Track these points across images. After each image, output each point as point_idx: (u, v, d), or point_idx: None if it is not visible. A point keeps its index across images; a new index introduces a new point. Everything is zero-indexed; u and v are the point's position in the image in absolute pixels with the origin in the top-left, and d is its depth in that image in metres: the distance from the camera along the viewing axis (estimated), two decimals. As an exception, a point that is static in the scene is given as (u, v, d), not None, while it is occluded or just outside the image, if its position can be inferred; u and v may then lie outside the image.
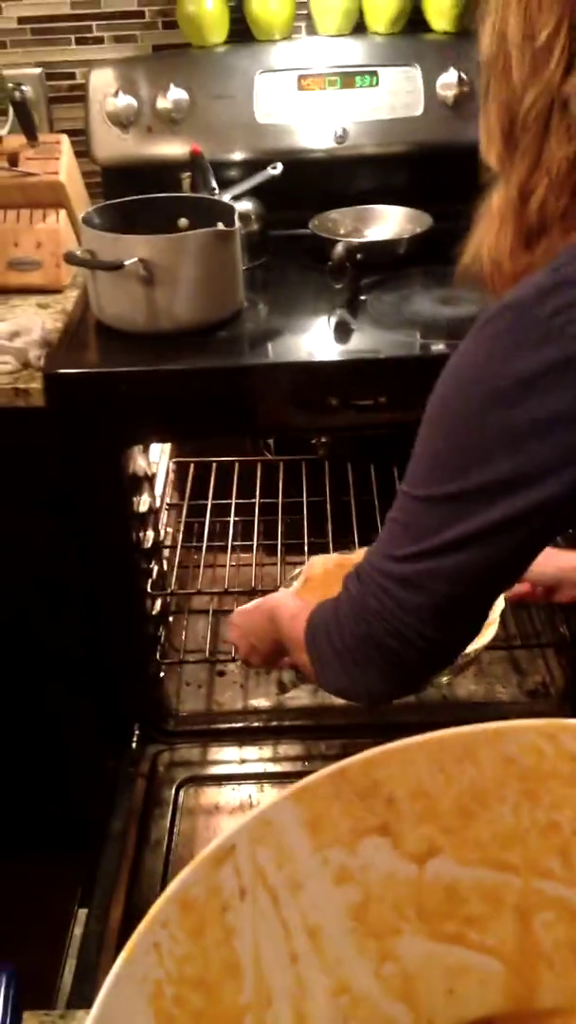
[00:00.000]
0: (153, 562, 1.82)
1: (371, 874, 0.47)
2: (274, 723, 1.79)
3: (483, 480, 0.76)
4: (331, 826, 0.46)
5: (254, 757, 1.72)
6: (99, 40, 1.90)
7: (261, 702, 1.83)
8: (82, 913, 1.49)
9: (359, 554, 1.33)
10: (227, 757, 1.73)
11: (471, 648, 1.19)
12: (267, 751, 1.73)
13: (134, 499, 1.63)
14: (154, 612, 1.81)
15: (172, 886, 0.41)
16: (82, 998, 1.28)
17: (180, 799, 1.64)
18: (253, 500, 1.97)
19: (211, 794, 1.66)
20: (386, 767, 0.47)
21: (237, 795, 1.65)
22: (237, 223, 1.49)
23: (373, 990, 0.48)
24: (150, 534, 1.79)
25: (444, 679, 1.38)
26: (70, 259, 1.48)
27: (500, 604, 1.32)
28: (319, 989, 0.46)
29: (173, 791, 1.65)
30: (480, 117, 0.86)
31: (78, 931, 1.48)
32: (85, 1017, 0.37)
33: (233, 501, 1.98)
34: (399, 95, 1.81)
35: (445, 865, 0.48)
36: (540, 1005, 0.50)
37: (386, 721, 1.62)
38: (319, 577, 1.44)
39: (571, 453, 0.74)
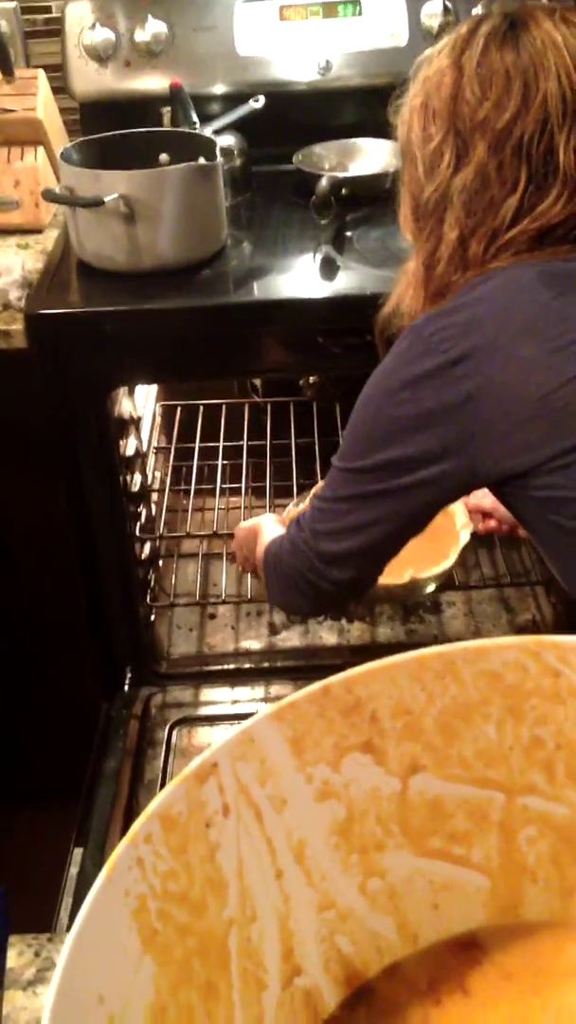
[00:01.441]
0: (141, 506, 1.81)
1: (355, 791, 0.47)
2: (265, 664, 1.80)
3: (383, 460, 1.00)
4: (314, 743, 0.46)
5: (246, 697, 1.73)
6: (75, -29, 1.85)
7: (252, 644, 1.84)
8: (78, 852, 1.50)
9: None
10: (219, 698, 1.74)
11: (431, 574, 1.53)
12: (259, 691, 1.74)
13: (121, 443, 1.62)
14: (144, 556, 1.80)
15: (155, 802, 0.41)
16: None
17: (173, 739, 1.65)
18: (241, 443, 1.96)
19: (204, 734, 1.67)
20: (368, 685, 0.47)
21: (229, 735, 1.66)
22: (219, 158, 1.47)
23: (358, 905, 0.48)
24: (138, 478, 1.78)
25: (429, 588, 1.60)
26: (49, 196, 1.45)
27: (464, 539, 1.56)
28: (304, 904, 0.47)
29: (166, 732, 1.66)
30: (400, 198, 1.08)
31: (74, 870, 1.49)
32: (67, 939, 0.37)
33: (221, 444, 1.97)
34: (383, 24, 1.77)
35: (429, 781, 0.48)
36: (523, 919, 0.50)
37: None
38: None
39: (447, 443, 0.96)
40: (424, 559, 1.55)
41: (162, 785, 1.57)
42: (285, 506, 1.81)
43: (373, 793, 0.48)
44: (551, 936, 0.51)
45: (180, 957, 0.41)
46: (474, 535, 1.57)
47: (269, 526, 1.34)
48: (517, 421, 0.94)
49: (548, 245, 0.98)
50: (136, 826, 0.40)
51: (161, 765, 1.61)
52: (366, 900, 0.48)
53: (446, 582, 1.86)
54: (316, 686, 0.46)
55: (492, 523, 1.56)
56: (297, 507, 1.62)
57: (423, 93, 1.02)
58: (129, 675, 1.75)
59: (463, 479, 1.00)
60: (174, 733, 1.66)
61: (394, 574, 1.45)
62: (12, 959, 0.58)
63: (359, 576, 1.12)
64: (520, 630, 1.83)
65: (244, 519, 1.84)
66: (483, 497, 1.50)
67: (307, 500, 1.54)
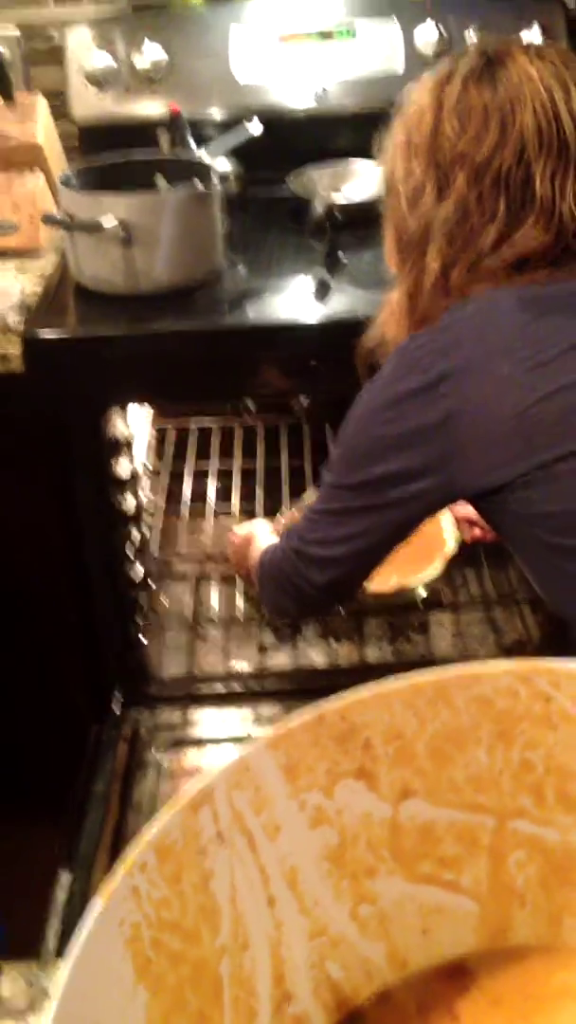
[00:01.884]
0: (134, 527, 1.82)
1: (347, 817, 0.48)
2: (255, 685, 1.80)
3: (368, 477, 1.06)
4: (307, 770, 0.46)
5: (236, 719, 1.73)
6: (76, -1, 1.87)
7: (242, 665, 1.84)
8: (65, 876, 1.49)
9: None
10: (209, 720, 1.74)
11: (417, 580, 1.60)
12: (248, 713, 1.74)
13: (114, 463, 1.63)
14: (135, 577, 1.81)
15: (150, 832, 0.42)
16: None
17: (163, 762, 1.65)
18: (231, 468, 1.97)
19: (193, 756, 1.67)
20: (362, 711, 0.47)
21: (219, 757, 1.66)
22: (216, 182, 1.48)
23: (349, 931, 0.48)
24: (131, 499, 1.79)
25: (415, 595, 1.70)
26: (48, 220, 1.47)
27: (450, 547, 1.62)
28: (296, 931, 0.47)
29: (156, 754, 1.66)
30: (384, 232, 1.12)
31: (61, 894, 1.49)
32: (63, 969, 0.37)
33: (213, 467, 1.97)
34: (379, 51, 1.79)
35: (420, 807, 0.49)
36: (513, 943, 0.51)
37: (366, 682, 1.63)
38: None
39: (429, 461, 1.02)
40: (411, 566, 1.59)
41: (152, 808, 1.57)
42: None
43: (365, 819, 0.48)
44: (540, 960, 0.51)
45: (173, 985, 0.42)
46: (461, 544, 1.63)
47: (263, 535, 1.41)
48: (493, 438, 0.99)
49: (526, 271, 1.02)
50: (132, 855, 0.41)
51: (150, 788, 1.60)
52: (357, 926, 0.49)
53: (433, 600, 1.87)
54: (311, 714, 0.47)
55: (478, 532, 1.64)
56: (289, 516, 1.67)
57: (404, 130, 1.06)
58: (119, 696, 1.75)
59: (445, 494, 1.06)
60: (163, 755, 1.66)
61: (380, 580, 1.50)
62: (4, 988, 0.58)
63: (344, 582, 1.18)
64: (507, 650, 1.83)
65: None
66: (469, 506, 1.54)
67: (299, 508, 1.62)
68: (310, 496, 1.69)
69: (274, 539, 1.34)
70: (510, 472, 0.99)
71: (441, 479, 1.03)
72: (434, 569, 1.59)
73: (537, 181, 1.00)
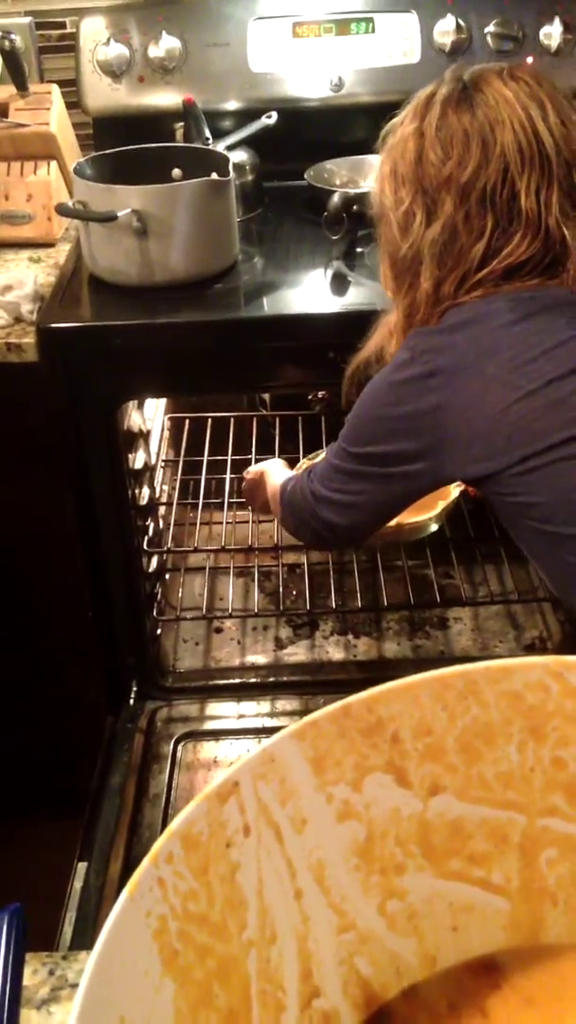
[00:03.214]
0: (149, 519, 1.81)
1: (375, 811, 0.47)
2: (271, 679, 1.79)
3: (369, 452, 1.15)
4: (335, 763, 0.46)
5: (252, 712, 1.73)
6: (89, -13, 1.86)
7: (258, 658, 1.83)
8: (81, 867, 1.49)
9: None
10: (225, 712, 1.73)
11: (414, 521, 1.66)
12: (265, 706, 1.74)
13: (129, 455, 1.62)
14: (151, 569, 1.80)
15: (176, 822, 0.41)
16: (82, 948, 1.29)
17: (178, 754, 1.65)
18: (249, 456, 1.96)
19: (209, 749, 1.66)
20: (389, 704, 0.47)
21: (235, 749, 1.66)
22: (231, 173, 1.47)
23: (378, 927, 0.48)
24: (146, 491, 1.78)
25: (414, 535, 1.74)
26: (62, 211, 1.46)
27: (453, 495, 1.69)
28: (324, 925, 0.46)
29: (171, 746, 1.66)
30: (379, 259, 1.19)
31: (78, 884, 1.48)
32: (87, 958, 0.37)
33: (229, 458, 1.96)
34: (396, 42, 1.77)
35: (450, 803, 0.48)
36: (544, 941, 0.50)
37: (385, 676, 1.62)
38: None
39: (421, 446, 1.09)
40: (412, 510, 1.63)
41: (167, 800, 1.56)
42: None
43: (393, 814, 0.47)
44: (574, 960, 0.50)
45: (200, 978, 0.41)
46: (467, 497, 1.72)
47: (277, 469, 1.50)
48: (478, 432, 1.05)
49: (515, 280, 1.08)
50: (157, 845, 0.40)
51: (166, 780, 1.60)
52: (385, 921, 0.48)
53: (453, 597, 1.86)
54: (336, 705, 0.46)
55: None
56: (312, 460, 1.77)
57: (390, 160, 1.12)
58: (135, 689, 1.75)
59: (436, 477, 1.13)
60: (179, 748, 1.66)
61: None
62: (26, 977, 0.58)
63: (353, 528, 1.26)
64: (527, 647, 1.82)
65: (251, 533, 1.85)
66: None
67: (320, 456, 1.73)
68: (301, 466, 1.76)
69: (290, 473, 1.44)
70: (494, 464, 1.05)
71: (433, 463, 1.10)
72: (435, 513, 1.67)
73: (522, 196, 1.05)
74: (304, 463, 1.79)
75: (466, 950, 0.49)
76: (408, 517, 1.64)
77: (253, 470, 1.59)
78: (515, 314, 1.06)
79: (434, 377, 1.07)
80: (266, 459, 1.63)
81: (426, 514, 1.66)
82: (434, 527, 1.70)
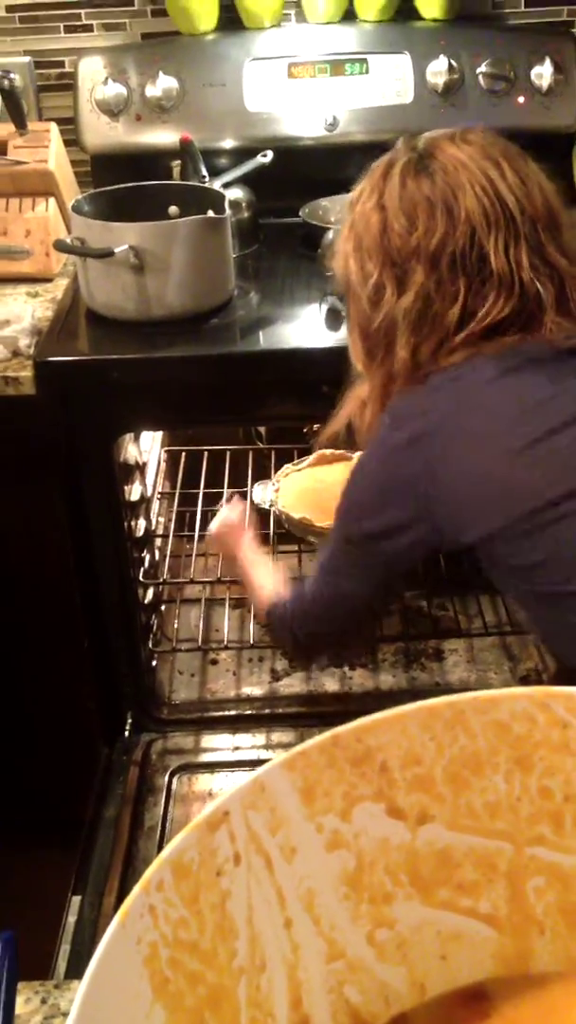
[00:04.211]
0: (145, 551, 1.82)
1: (364, 840, 0.47)
2: (267, 711, 1.79)
3: (367, 530, 1.12)
4: (324, 793, 0.46)
5: (247, 744, 1.73)
6: (88, 28, 1.90)
7: (254, 690, 1.84)
8: (76, 900, 1.49)
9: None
10: (220, 744, 1.73)
11: None
12: (260, 738, 1.74)
13: (126, 488, 1.63)
14: (146, 601, 1.81)
15: (167, 850, 0.42)
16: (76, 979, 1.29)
17: (173, 786, 1.65)
18: (245, 489, 1.97)
19: (204, 781, 1.66)
20: (378, 734, 0.47)
21: (230, 782, 1.66)
22: (228, 211, 1.50)
23: (367, 955, 0.48)
24: (142, 523, 1.79)
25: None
26: (60, 247, 1.48)
27: None
28: (313, 954, 0.47)
29: (166, 778, 1.66)
30: (348, 334, 1.18)
31: (72, 918, 1.48)
32: (80, 987, 0.37)
33: (225, 490, 1.98)
34: (389, 82, 1.81)
35: (438, 832, 0.49)
36: (532, 970, 0.50)
37: (381, 708, 1.62)
38: (293, 491, 1.82)
39: (415, 512, 1.07)
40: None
41: (162, 832, 1.56)
42: (287, 552, 1.82)
43: (382, 843, 0.48)
44: (562, 989, 0.51)
45: (191, 1005, 0.41)
46: None
47: (257, 569, 1.41)
48: (470, 494, 1.04)
49: (495, 338, 1.06)
50: (148, 873, 0.41)
51: (161, 812, 1.60)
52: (375, 950, 0.48)
53: (448, 629, 1.86)
54: (326, 735, 0.47)
55: None
56: (297, 467, 1.87)
57: (354, 237, 1.11)
58: (130, 720, 1.75)
59: (433, 544, 1.12)
60: (174, 780, 1.66)
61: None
62: (19, 1006, 0.58)
63: (344, 634, 1.30)
64: (523, 679, 1.82)
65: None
66: None
67: (306, 462, 1.85)
68: (286, 471, 1.86)
69: (268, 573, 1.38)
70: (489, 526, 1.03)
71: (427, 528, 1.08)
72: None
73: (492, 257, 1.05)
74: (289, 469, 1.84)
75: (455, 979, 0.50)
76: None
77: (220, 526, 1.49)
78: (498, 369, 1.05)
79: (421, 439, 1.05)
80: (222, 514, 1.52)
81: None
82: None
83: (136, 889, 0.41)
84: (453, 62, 1.79)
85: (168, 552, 1.92)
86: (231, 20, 1.86)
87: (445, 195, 1.05)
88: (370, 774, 0.48)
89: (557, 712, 0.49)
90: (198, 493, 1.96)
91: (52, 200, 1.70)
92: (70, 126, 1.84)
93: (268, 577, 1.37)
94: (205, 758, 1.71)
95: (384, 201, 1.07)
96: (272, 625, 1.34)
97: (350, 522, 1.16)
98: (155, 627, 1.88)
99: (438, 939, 0.49)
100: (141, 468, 1.81)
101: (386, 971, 0.49)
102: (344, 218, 1.14)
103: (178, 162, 1.76)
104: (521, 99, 1.81)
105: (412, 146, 1.10)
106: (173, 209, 1.59)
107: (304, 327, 1.50)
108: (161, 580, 1.87)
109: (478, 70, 1.79)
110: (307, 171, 1.85)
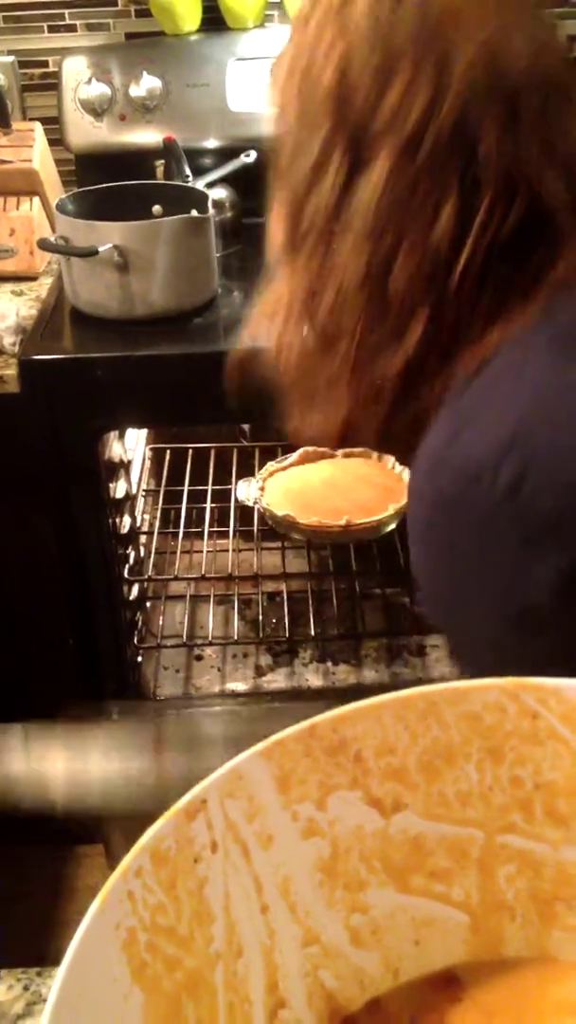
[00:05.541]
0: (130, 548, 1.83)
1: (339, 829, 0.49)
2: (251, 706, 1.80)
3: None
4: (300, 781, 0.47)
5: (232, 740, 1.73)
6: (72, 28, 1.91)
7: (238, 685, 1.85)
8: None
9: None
10: (205, 741, 1.74)
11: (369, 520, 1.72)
12: (244, 734, 1.74)
13: (110, 485, 1.64)
14: (132, 597, 1.82)
15: (145, 837, 0.43)
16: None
17: (158, 782, 1.65)
18: (229, 486, 1.98)
19: (189, 777, 1.67)
20: (354, 725, 0.48)
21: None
22: (211, 210, 1.50)
23: (342, 940, 0.49)
24: (127, 520, 1.80)
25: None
26: (44, 246, 1.49)
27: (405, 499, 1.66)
28: (289, 939, 0.48)
29: (151, 775, 1.66)
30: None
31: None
32: (58, 971, 0.38)
33: (209, 487, 1.99)
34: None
35: (411, 820, 0.50)
36: (504, 955, 0.52)
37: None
38: (278, 488, 1.82)
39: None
40: (364, 511, 1.69)
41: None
42: (271, 548, 1.84)
43: (357, 831, 0.49)
44: (533, 974, 0.52)
45: (169, 989, 0.42)
46: None
47: None
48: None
49: (530, 287, 0.74)
50: (127, 860, 0.42)
51: (146, 808, 1.60)
52: (350, 935, 0.50)
53: (430, 624, 1.87)
54: (303, 725, 0.48)
55: None
56: (281, 464, 1.86)
57: (296, 82, 0.75)
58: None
59: None
60: (160, 776, 1.66)
61: (332, 515, 1.67)
62: (1, 993, 0.59)
63: None
64: (504, 675, 1.84)
65: (231, 562, 1.87)
66: None
67: (290, 460, 1.84)
68: (270, 468, 1.86)
69: None
70: None
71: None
72: (386, 515, 1.68)
73: (483, 145, 0.71)
74: (273, 467, 1.84)
75: (428, 963, 0.51)
76: (358, 518, 1.66)
77: None
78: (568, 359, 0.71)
79: (522, 484, 0.68)
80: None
81: (377, 516, 1.67)
82: (387, 529, 1.72)
83: (115, 875, 0.42)
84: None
85: (153, 549, 1.93)
86: (214, 20, 1.86)
87: (434, 47, 0.70)
88: (345, 763, 0.49)
89: (527, 702, 0.50)
90: (183, 490, 1.97)
91: (36, 199, 1.70)
92: (54, 125, 1.84)
93: None
94: (190, 754, 1.72)
95: (345, 39, 0.71)
96: None
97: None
98: (140, 623, 1.89)
99: (412, 925, 0.51)
100: (126, 465, 1.81)
101: (361, 956, 0.50)
102: (284, 49, 0.77)
103: (162, 162, 1.77)
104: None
105: None
106: (157, 208, 1.60)
107: (287, 326, 1.51)
108: (146, 577, 1.88)
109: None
110: (290, 170, 1.85)
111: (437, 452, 0.72)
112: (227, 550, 1.91)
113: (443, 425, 0.73)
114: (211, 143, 1.82)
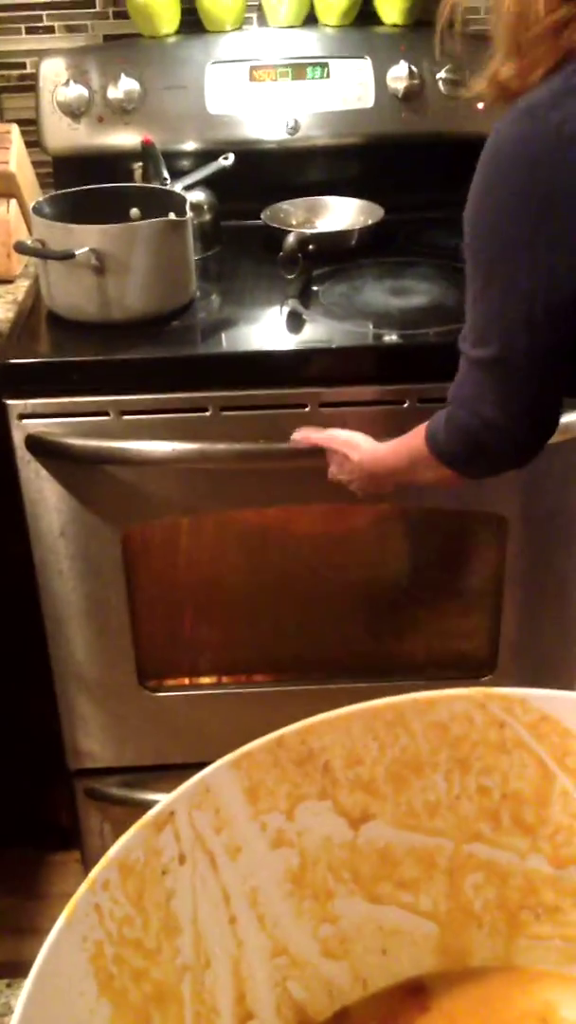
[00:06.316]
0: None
1: (307, 839, 0.49)
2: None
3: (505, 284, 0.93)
4: (268, 792, 0.48)
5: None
6: (50, 29, 1.90)
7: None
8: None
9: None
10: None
11: None
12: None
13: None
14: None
15: (113, 849, 0.43)
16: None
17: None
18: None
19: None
20: (321, 735, 0.49)
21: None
22: (189, 213, 1.50)
23: (310, 951, 0.50)
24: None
25: None
26: (21, 249, 1.48)
27: None
28: (257, 950, 0.48)
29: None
30: None
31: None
32: (24, 984, 0.38)
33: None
34: (350, 87, 1.82)
35: (379, 830, 0.50)
36: (471, 964, 0.52)
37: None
38: None
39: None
40: None
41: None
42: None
43: (325, 841, 0.49)
44: (498, 982, 0.52)
45: (136, 1001, 0.42)
46: None
47: (362, 442, 1.28)
48: None
49: None
50: (94, 872, 0.42)
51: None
52: (318, 946, 0.50)
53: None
54: (271, 736, 0.48)
55: None
56: None
57: None
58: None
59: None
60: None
61: None
62: (-30, 1005, 0.59)
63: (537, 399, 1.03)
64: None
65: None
66: None
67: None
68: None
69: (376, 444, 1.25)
70: None
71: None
72: None
73: None
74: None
75: (396, 973, 0.51)
76: None
77: (351, 456, 1.29)
78: None
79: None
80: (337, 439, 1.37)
81: None
82: None
83: (82, 888, 0.42)
84: (413, 67, 1.80)
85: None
86: (192, 23, 1.86)
87: None
88: (314, 774, 0.49)
89: (494, 712, 0.50)
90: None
91: (13, 201, 1.69)
92: (31, 127, 1.83)
93: (398, 444, 1.22)
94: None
95: None
96: (442, 440, 1.11)
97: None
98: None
99: (379, 934, 0.51)
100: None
101: (329, 966, 0.50)
102: None
103: (140, 164, 1.76)
104: (480, 105, 1.83)
105: None
106: (134, 211, 1.59)
107: (265, 329, 1.51)
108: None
109: (438, 76, 1.81)
110: (268, 174, 1.86)
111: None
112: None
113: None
114: (189, 146, 1.82)
